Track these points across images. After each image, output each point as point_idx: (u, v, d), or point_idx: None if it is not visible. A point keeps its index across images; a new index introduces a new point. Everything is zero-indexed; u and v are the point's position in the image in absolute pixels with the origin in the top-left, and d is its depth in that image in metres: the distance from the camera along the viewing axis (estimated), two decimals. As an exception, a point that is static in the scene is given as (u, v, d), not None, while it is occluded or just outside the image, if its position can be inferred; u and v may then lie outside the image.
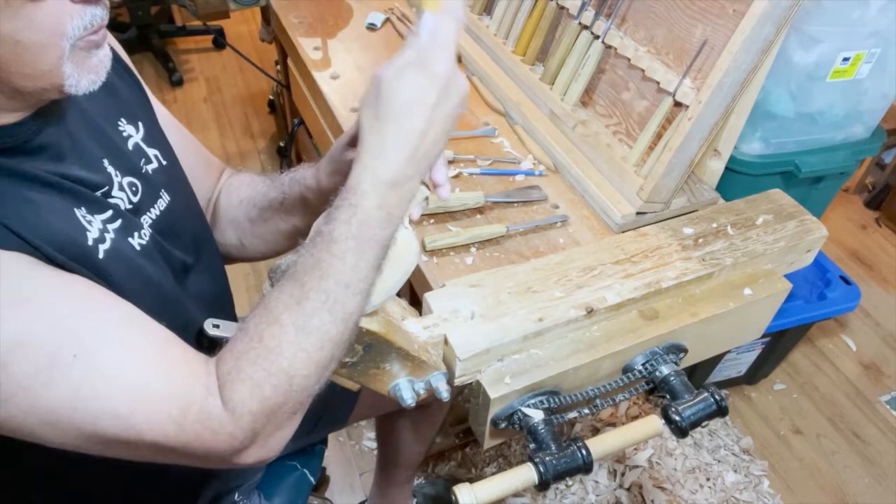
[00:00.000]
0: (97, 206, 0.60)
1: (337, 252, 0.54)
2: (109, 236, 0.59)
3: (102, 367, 0.51)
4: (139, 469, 0.58)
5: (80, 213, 0.57)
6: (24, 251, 0.50)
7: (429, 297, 0.73)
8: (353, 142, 0.70)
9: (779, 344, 1.68)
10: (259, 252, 0.88)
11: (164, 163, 0.73)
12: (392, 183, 0.55)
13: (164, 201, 0.71)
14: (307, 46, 1.37)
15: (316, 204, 0.76)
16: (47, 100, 0.56)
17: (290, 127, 1.97)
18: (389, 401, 0.68)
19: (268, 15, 1.66)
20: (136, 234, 0.64)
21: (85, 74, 0.53)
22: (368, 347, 0.61)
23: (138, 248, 0.63)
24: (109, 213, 0.61)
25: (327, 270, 0.54)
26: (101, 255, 0.57)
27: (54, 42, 0.50)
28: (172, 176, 0.74)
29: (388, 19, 1.47)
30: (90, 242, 0.56)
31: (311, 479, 1.05)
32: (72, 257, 0.53)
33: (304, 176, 0.77)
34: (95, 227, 0.58)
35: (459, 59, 1.33)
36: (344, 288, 0.54)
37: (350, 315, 0.56)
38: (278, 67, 1.94)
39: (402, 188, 0.56)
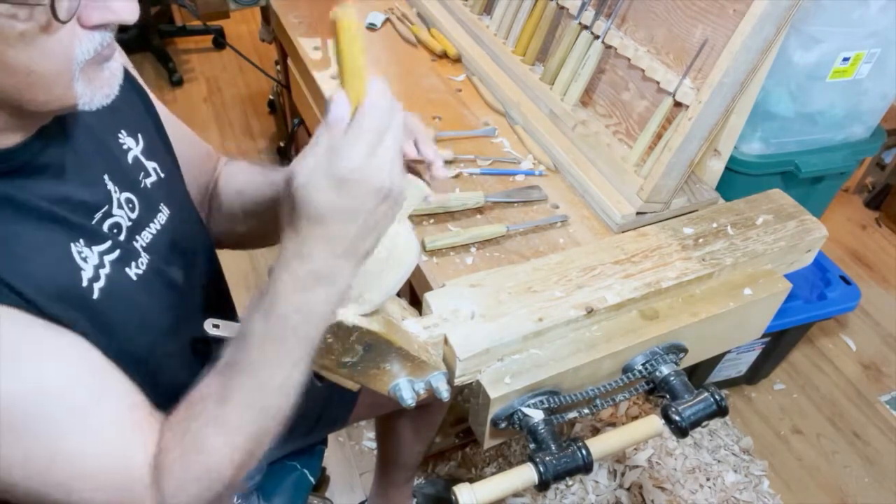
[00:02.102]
0: (95, 237, 0.60)
1: (253, 350, 0.54)
2: (105, 272, 0.59)
3: (57, 452, 0.52)
4: None
5: (77, 247, 0.57)
6: (16, 306, 0.50)
7: (429, 297, 0.73)
8: None
9: (779, 344, 1.68)
10: (257, 241, 0.89)
11: (163, 175, 0.72)
12: (314, 280, 0.52)
13: (163, 215, 0.70)
14: (307, 46, 1.37)
15: None
16: (55, 116, 0.57)
17: (290, 127, 1.97)
18: (389, 401, 0.68)
19: (268, 15, 1.66)
20: (133, 263, 0.64)
21: (98, 90, 0.53)
22: (368, 347, 0.61)
23: (135, 278, 0.63)
24: (107, 244, 0.61)
25: (245, 369, 0.54)
26: (95, 296, 0.57)
27: (65, 68, 0.49)
28: (171, 188, 0.74)
29: (388, 19, 1.47)
30: (84, 283, 0.57)
31: (311, 479, 1.05)
32: (65, 302, 0.54)
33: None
34: (91, 264, 0.58)
35: (458, 59, 1.33)
36: (263, 387, 0.54)
37: (273, 414, 0.56)
38: (278, 67, 1.94)
39: (324, 285, 0.53)
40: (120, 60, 0.56)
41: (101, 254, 0.60)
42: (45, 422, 0.51)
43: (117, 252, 0.62)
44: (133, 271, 0.63)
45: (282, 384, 0.55)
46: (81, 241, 0.58)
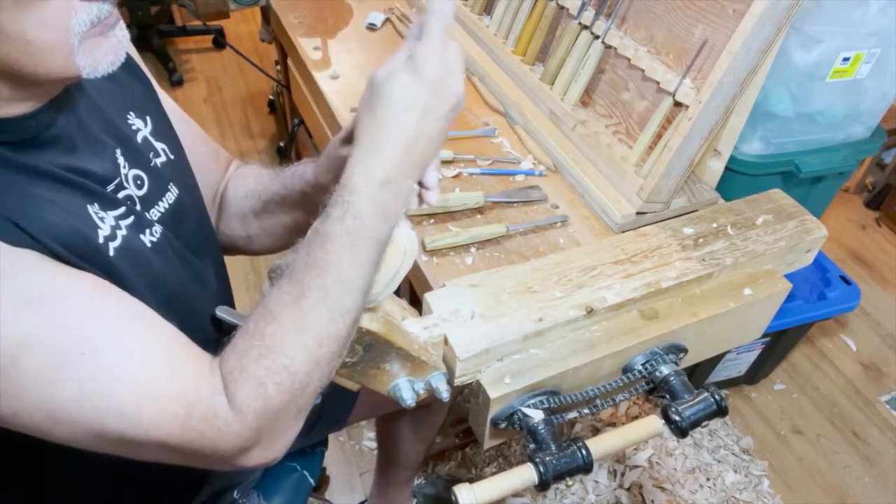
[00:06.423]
0: (110, 202, 0.60)
1: (332, 249, 0.54)
2: (121, 233, 0.59)
3: (109, 365, 0.51)
4: (135, 463, 0.58)
5: (93, 209, 0.57)
6: (32, 248, 0.49)
7: (429, 297, 0.73)
8: (349, 138, 0.70)
9: (779, 344, 1.68)
10: (264, 245, 0.88)
11: (172, 157, 0.73)
12: (384, 180, 0.56)
13: (172, 194, 0.71)
14: (307, 46, 1.37)
15: (315, 199, 0.76)
16: (62, 86, 0.57)
17: (290, 127, 1.97)
18: (389, 401, 0.68)
19: (268, 15, 1.66)
20: (147, 231, 0.64)
21: (103, 57, 0.53)
22: (368, 347, 0.61)
23: (149, 244, 0.63)
24: (122, 209, 0.61)
25: (324, 268, 0.54)
26: (111, 253, 0.57)
27: (62, 39, 0.49)
28: (180, 170, 0.74)
29: (388, 19, 1.47)
30: (101, 240, 0.56)
31: (311, 480, 1.05)
32: (81, 255, 0.53)
33: (305, 171, 0.78)
34: (108, 225, 0.58)
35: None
36: (341, 284, 0.55)
37: (348, 311, 0.56)
38: (278, 67, 1.94)
39: (394, 186, 0.56)
40: (125, 28, 0.56)
41: (117, 218, 0.60)
42: (90, 347, 0.50)
43: (132, 218, 0.62)
44: (147, 238, 0.63)
45: (357, 283, 0.56)
46: (97, 204, 0.58)
